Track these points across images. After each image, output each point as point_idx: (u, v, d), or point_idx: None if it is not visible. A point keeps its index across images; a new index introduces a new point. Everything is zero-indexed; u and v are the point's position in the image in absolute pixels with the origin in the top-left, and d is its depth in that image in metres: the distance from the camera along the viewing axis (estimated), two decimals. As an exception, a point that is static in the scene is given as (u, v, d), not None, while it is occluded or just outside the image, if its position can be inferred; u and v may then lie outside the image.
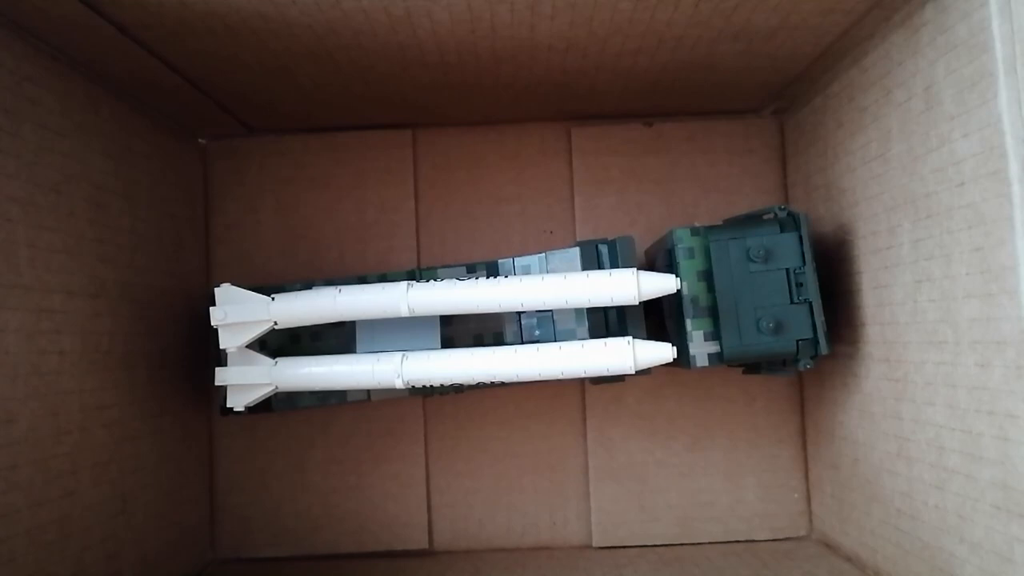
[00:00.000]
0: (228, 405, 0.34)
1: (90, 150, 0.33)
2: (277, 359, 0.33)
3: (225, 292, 0.33)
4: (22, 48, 0.29)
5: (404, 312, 0.31)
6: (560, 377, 0.30)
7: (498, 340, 0.34)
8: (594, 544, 0.43)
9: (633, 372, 0.30)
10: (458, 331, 0.35)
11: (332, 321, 0.33)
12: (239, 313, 0.33)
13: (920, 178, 0.29)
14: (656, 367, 0.30)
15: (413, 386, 0.32)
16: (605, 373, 0.30)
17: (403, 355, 0.31)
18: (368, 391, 0.36)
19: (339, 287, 0.32)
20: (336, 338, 0.35)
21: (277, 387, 0.33)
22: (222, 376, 0.33)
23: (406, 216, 0.45)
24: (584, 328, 0.33)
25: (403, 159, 0.45)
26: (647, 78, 0.37)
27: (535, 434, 0.44)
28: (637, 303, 0.30)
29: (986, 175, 0.24)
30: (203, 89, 0.37)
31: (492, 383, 0.32)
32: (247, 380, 0.33)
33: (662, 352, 0.29)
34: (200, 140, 0.45)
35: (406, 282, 0.31)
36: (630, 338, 0.30)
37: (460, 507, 0.44)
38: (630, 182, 0.44)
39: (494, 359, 0.31)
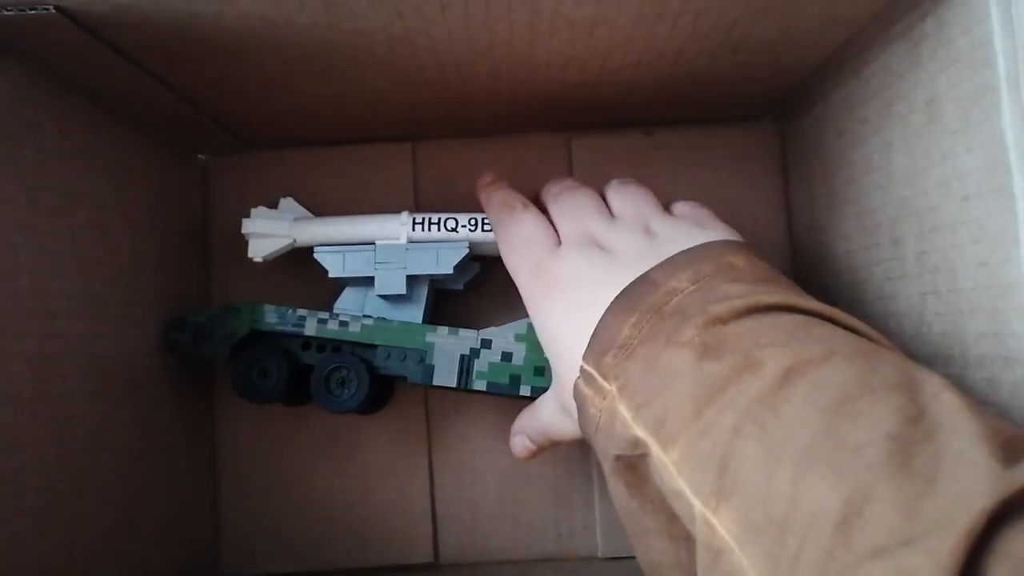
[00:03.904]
0: (250, 255, 0.38)
1: (90, 171, 0.33)
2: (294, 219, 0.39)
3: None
4: (20, 72, 0.29)
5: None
6: None
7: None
8: (600, 555, 0.43)
9: None
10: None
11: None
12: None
13: (923, 191, 0.28)
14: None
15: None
16: None
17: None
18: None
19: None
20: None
21: (296, 240, 0.39)
22: (247, 226, 0.39)
23: (407, 229, 0.44)
24: None
25: (403, 173, 0.45)
26: (647, 90, 0.37)
27: (539, 446, 0.44)
28: None
29: (990, 191, 0.24)
30: (201, 108, 0.37)
31: None
32: (268, 231, 0.39)
33: None
34: (199, 157, 0.45)
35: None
36: None
37: (465, 519, 0.44)
38: (631, 191, 0.44)
39: None
